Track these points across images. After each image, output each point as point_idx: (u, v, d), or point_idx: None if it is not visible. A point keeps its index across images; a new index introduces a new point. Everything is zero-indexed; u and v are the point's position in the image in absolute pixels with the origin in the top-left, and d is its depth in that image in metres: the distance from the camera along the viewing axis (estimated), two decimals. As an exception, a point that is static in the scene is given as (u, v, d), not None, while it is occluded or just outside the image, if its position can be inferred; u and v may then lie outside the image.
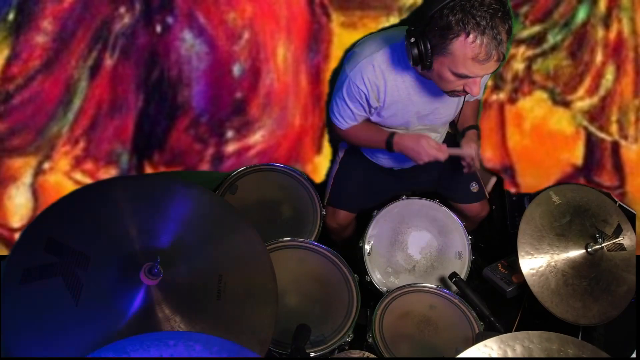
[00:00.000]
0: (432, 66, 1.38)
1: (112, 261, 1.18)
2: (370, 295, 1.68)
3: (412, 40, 1.35)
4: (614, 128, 1.78)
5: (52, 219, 1.20)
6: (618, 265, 1.61)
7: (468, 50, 1.29)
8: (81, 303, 1.11)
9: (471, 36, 1.27)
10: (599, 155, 1.81)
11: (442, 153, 1.58)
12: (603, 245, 1.58)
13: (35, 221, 1.20)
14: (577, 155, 1.82)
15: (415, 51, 1.36)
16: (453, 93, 1.45)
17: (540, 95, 1.79)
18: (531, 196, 1.90)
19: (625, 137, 1.77)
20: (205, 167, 1.71)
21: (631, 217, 1.68)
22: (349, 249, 1.82)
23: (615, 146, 1.79)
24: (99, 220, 1.22)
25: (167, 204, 1.28)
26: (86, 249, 1.16)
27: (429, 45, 1.34)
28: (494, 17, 1.26)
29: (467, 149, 1.64)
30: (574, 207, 1.64)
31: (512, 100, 1.81)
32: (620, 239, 1.60)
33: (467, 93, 1.42)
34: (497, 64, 1.33)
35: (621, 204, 1.75)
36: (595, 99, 1.77)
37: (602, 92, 1.75)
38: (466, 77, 1.36)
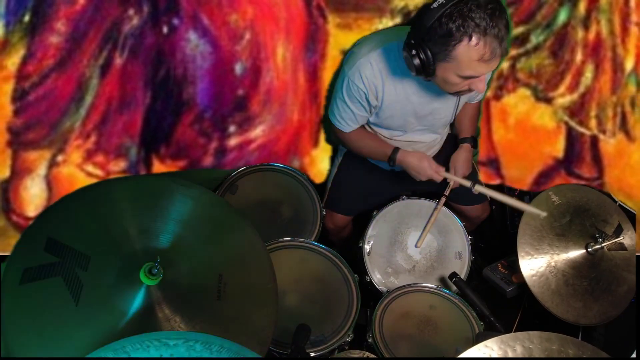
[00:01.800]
0: (436, 73, 1.39)
1: (112, 261, 1.17)
2: (370, 295, 1.68)
3: (413, 52, 1.36)
4: (593, 123, 1.85)
5: (52, 219, 1.20)
6: (618, 265, 1.61)
7: (473, 53, 1.30)
8: (81, 303, 1.11)
9: (474, 39, 1.28)
10: (579, 149, 1.88)
11: (439, 177, 1.64)
12: (603, 245, 1.58)
13: (35, 221, 1.20)
14: (559, 148, 1.90)
15: (417, 61, 1.36)
16: (459, 93, 1.46)
17: (524, 92, 1.86)
18: (531, 196, 1.91)
19: (604, 132, 1.85)
20: (209, 160, 1.75)
21: (631, 217, 1.68)
22: (347, 249, 1.82)
23: (594, 140, 1.87)
24: (99, 220, 1.22)
25: (167, 204, 1.28)
26: (86, 249, 1.16)
27: (429, 54, 1.34)
28: (493, 16, 1.27)
29: (464, 180, 1.68)
30: (573, 207, 1.64)
31: (498, 97, 1.87)
32: (620, 239, 1.60)
33: (472, 91, 1.43)
34: (499, 60, 1.34)
35: (621, 203, 1.76)
36: (575, 96, 1.83)
37: (581, 89, 1.82)
38: (472, 77, 1.37)
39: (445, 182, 1.75)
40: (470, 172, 1.80)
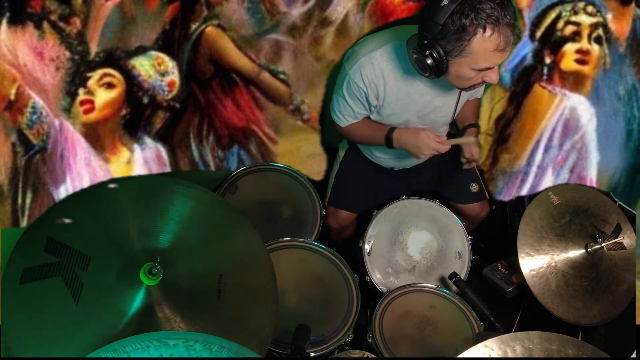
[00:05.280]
0: (449, 70, 1.39)
1: (112, 261, 1.18)
2: (370, 295, 1.68)
3: (427, 52, 1.36)
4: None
5: (52, 219, 1.20)
6: (618, 265, 1.61)
7: (488, 44, 1.31)
8: (81, 303, 1.12)
9: (488, 30, 1.29)
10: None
11: (443, 145, 1.58)
12: (603, 244, 1.58)
13: (35, 221, 1.20)
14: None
15: (430, 60, 1.36)
16: (472, 87, 1.46)
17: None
18: (531, 196, 1.91)
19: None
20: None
21: (630, 217, 1.69)
22: (349, 249, 1.82)
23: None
24: (99, 220, 1.22)
25: (167, 204, 1.28)
26: (86, 249, 1.16)
27: (442, 52, 1.35)
28: (502, 5, 1.29)
29: (467, 138, 1.66)
30: (573, 207, 1.64)
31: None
32: (620, 238, 1.60)
33: (484, 83, 1.44)
34: (512, 47, 1.36)
35: (621, 203, 1.76)
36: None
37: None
38: (487, 69, 1.38)
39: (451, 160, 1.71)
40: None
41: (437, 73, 1.40)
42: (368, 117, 1.68)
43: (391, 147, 1.62)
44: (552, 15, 1.75)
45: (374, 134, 1.66)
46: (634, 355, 1.46)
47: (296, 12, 1.65)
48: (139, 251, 1.20)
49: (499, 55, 1.34)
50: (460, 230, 1.74)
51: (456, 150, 1.80)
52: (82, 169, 1.58)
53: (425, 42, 1.36)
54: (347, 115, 1.64)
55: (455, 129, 1.88)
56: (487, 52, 1.33)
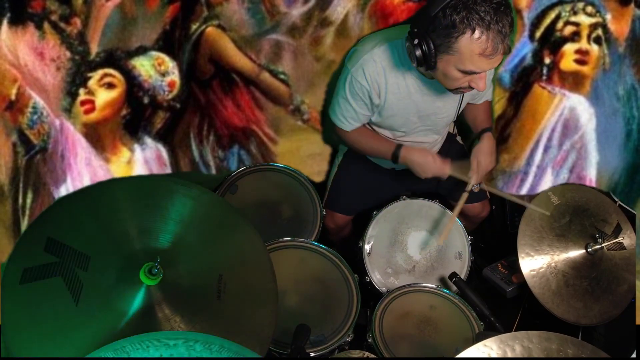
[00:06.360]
0: (437, 65, 1.38)
1: (112, 261, 1.18)
2: (370, 295, 1.68)
3: (416, 41, 1.36)
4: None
5: (52, 219, 1.20)
6: (618, 265, 1.61)
7: (475, 46, 1.30)
8: (81, 303, 1.12)
9: (477, 32, 1.28)
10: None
11: (445, 174, 1.63)
12: (603, 245, 1.58)
13: (35, 221, 1.20)
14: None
15: (419, 52, 1.36)
16: (458, 90, 1.45)
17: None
18: (531, 196, 1.91)
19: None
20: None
21: (630, 217, 1.69)
22: (347, 248, 1.82)
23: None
24: (99, 220, 1.22)
25: (167, 204, 1.28)
26: (86, 249, 1.16)
27: (432, 45, 1.34)
28: (498, 11, 1.27)
29: (466, 177, 1.65)
30: (573, 208, 1.64)
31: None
32: (620, 238, 1.60)
33: (472, 89, 1.42)
34: (501, 57, 1.34)
35: (621, 203, 1.76)
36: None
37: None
38: (473, 73, 1.36)
39: (450, 179, 1.73)
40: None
41: (425, 65, 1.39)
42: (370, 125, 1.69)
43: (396, 163, 1.66)
44: (552, 15, 1.75)
45: (380, 148, 1.67)
46: (634, 355, 1.46)
47: (296, 12, 1.66)
48: (139, 251, 1.20)
49: (484, 61, 1.32)
50: (460, 230, 1.74)
51: (456, 151, 1.80)
52: (83, 169, 1.59)
53: (416, 30, 1.35)
54: (349, 118, 1.63)
55: (469, 132, 1.87)
56: (472, 55, 1.31)
